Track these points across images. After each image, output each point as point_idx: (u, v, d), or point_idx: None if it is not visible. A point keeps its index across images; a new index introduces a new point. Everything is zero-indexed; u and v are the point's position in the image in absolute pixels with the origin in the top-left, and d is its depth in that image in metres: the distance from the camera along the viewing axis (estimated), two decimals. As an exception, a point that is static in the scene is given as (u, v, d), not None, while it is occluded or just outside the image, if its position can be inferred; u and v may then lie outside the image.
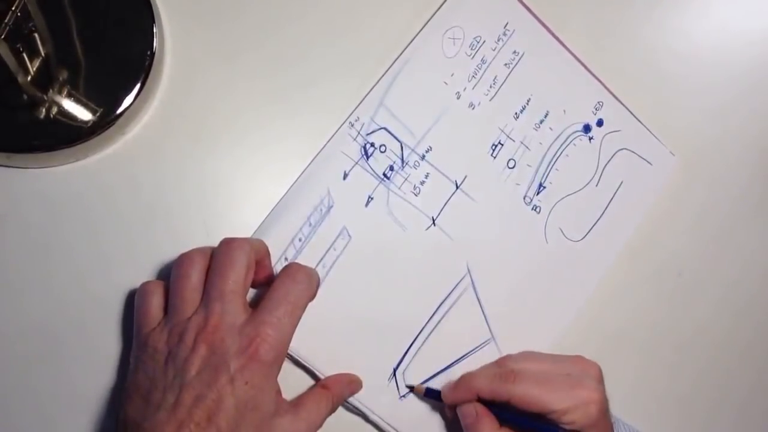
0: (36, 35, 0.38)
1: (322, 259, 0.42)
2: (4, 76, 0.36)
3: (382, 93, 0.44)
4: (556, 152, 0.47)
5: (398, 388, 0.43)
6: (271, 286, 0.38)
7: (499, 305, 0.45)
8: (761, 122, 0.51)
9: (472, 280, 0.45)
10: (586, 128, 0.48)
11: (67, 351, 0.39)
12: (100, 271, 0.40)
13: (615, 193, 0.48)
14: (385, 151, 0.44)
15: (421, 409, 0.44)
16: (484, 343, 0.45)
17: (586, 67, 0.48)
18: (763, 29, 0.51)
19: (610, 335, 0.48)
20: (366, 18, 0.45)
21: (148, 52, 0.40)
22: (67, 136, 0.39)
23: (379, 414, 0.43)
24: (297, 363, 0.42)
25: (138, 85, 0.39)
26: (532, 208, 0.47)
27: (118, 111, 0.39)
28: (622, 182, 0.49)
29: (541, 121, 0.47)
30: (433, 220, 0.44)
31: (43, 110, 0.38)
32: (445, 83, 0.45)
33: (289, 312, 0.37)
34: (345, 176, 0.43)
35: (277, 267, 0.41)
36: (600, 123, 0.48)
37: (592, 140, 0.48)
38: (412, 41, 0.44)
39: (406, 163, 0.44)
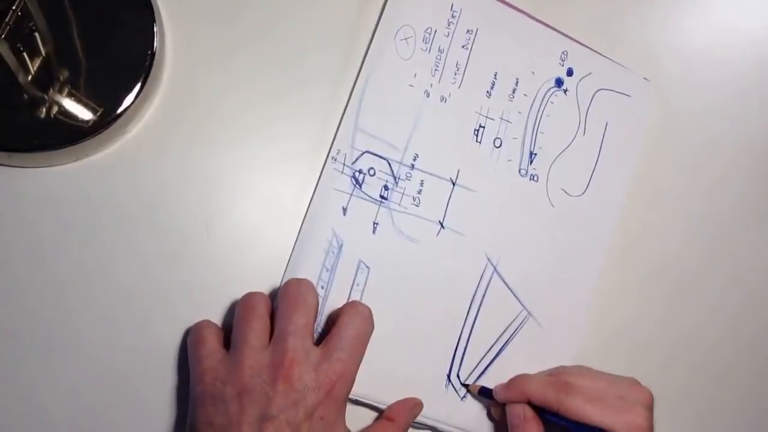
0: (36, 35, 0.38)
1: (349, 297, 0.43)
2: (4, 76, 0.37)
3: (354, 117, 0.43)
4: (537, 116, 0.47)
5: (457, 391, 0.44)
6: (338, 323, 0.39)
7: (527, 282, 0.46)
8: (760, 122, 0.51)
9: (494, 268, 0.45)
10: (558, 82, 0.47)
11: (65, 351, 0.40)
12: (100, 270, 0.40)
13: (603, 135, 0.48)
14: (374, 174, 0.43)
15: (483, 402, 0.45)
16: (523, 322, 0.46)
17: (540, 21, 0.47)
18: (764, 29, 0.51)
19: (608, 336, 0.48)
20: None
21: (149, 52, 0.40)
22: (68, 136, 0.39)
23: (446, 422, 0.44)
24: (357, 401, 0.43)
25: (138, 85, 0.40)
26: (530, 179, 0.47)
27: (119, 110, 0.39)
28: (607, 123, 0.48)
29: (514, 91, 0.46)
30: (441, 224, 0.45)
31: (44, 110, 0.39)
32: (411, 86, 0.44)
33: (358, 349, 0.39)
34: (344, 212, 0.43)
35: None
36: (570, 72, 0.48)
37: (567, 92, 0.48)
38: (365, 59, 0.44)
39: (399, 178, 0.44)
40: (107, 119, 0.39)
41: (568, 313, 0.47)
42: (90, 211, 0.40)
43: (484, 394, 0.44)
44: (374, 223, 0.43)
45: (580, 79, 0.48)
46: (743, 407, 0.48)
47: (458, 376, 0.45)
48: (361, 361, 0.39)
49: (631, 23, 0.50)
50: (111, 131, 0.40)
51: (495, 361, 0.45)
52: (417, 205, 0.44)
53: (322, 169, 0.43)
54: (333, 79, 0.44)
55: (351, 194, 0.43)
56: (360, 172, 0.43)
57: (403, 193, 0.44)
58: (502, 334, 0.46)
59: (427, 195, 0.44)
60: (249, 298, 0.40)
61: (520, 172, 0.46)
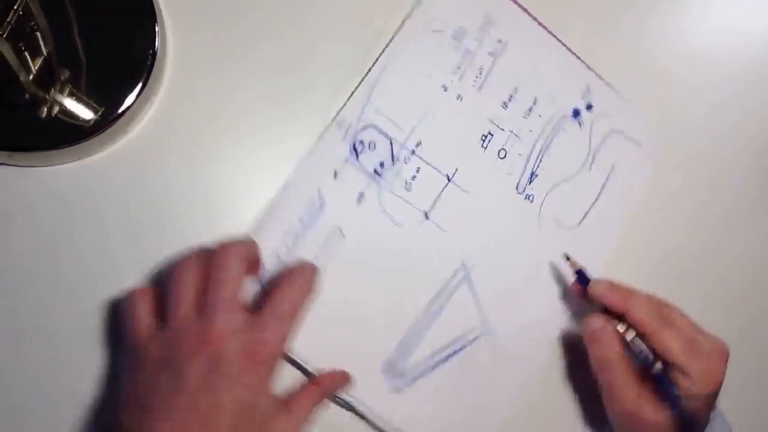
0: (38, 34, 0.38)
1: (315, 257, 0.42)
2: (5, 75, 0.36)
3: (369, 91, 0.43)
4: (547, 139, 0.47)
5: (391, 382, 0.43)
6: (277, 287, 0.38)
7: (495, 297, 0.45)
8: (760, 121, 0.51)
9: (467, 273, 0.45)
10: (576, 113, 0.48)
11: (66, 351, 0.39)
12: (102, 269, 0.40)
13: (608, 177, 0.48)
14: (374, 148, 0.43)
15: (414, 402, 0.43)
16: (477, 337, 0.45)
17: (571, 51, 0.48)
18: (763, 30, 0.52)
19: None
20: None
21: (150, 52, 0.40)
22: (69, 135, 0.39)
23: (372, 408, 0.43)
24: (291, 360, 0.42)
25: (140, 85, 0.40)
26: (525, 198, 0.46)
27: (120, 110, 0.39)
28: (614, 165, 0.48)
29: (530, 109, 0.47)
30: (426, 214, 0.44)
31: (45, 109, 0.38)
32: (431, 76, 0.45)
33: (292, 314, 0.38)
34: (335, 175, 0.43)
35: (270, 264, 0.41)
36: (589, 107, 0.48)
37: (582, 125, 0.48)
38: (394, 37, 0.44)
39: (397, 159, 0.44)
40: (108, 119, 0.39)
41: (531, 338, 0.46)
42: (91, 211, 0.40)
43: (581, 280, 0.44)
44: (361, 194, 0.43)
45: (597, 117, 0.48)
46: (742, 406, 0.48)
47: (398, 368, 0.43)
48: (292, 327, 0.38)
49: (631, 23, 0.50)
50: (112, 131, 0.40)
51: (439, 367, 0.44)
52: (408, 190, 0.44)
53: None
54: (336, 81, 0.44)
55: (346, 161, 0.43)
56: (361, 143, 0.43)
57: (397, 175, 0.44)
58: (453, 343, 0.44)
59: (420, 183, 0.44)
60: (179, 267, 0.38)
61: (517, 188, 0.46)
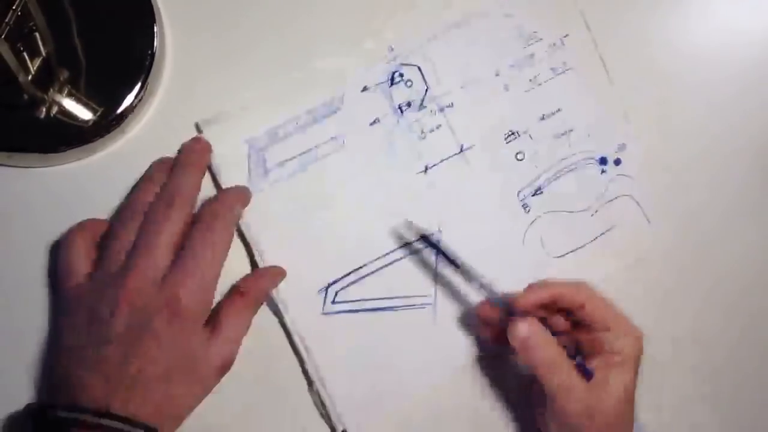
0: (36, 34, 0.38)
1: (309, 150, 0.43)
2: (4, 76, 0.36)
3: (430, 37, 0.45)
4: (566, 168, 0.47)
5: (324, 303, 0.42)
6: (191, 231, 0.38)
7: (454, 278, 0.44)
8: (760, 121, 0.51)
9: (436, 240, 0.44)
10: (602, 161, 0.48)
11: None
12: None
13: (605, 233, 0.48)
14: (410, 86, 0.45)
15: (334, 330, 0.43)
16: (424, 304, 0.44)
17: (624, 109, 0.49)
18: (764, 29, 0.52)
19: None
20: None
21: (149, 52, 0.40)
22: (68, 136, 0.39)
23: (292, 317, 0.42)
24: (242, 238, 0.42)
25: (139, 85, 0.39)
26: (522, 206, 0.46)
27: (119, 110, 0.39)
28: (614, 225, 0.48)
29: (563, 134, 0.47)
30: (426, 168, 0.45)
31: (44, 110, 0.38)
32: (490, 57, 0.46)
33: (209, 257, 0.37)
34: (364, 89, 0.44)
35: (262, 141, 0.42)
36: (617, 162, 0.48)
37: (603, 173, 0.48)
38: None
39: (424, 107, 0.45)
40: (107, 119, 0.39)
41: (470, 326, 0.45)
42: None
43: (497, 303, 0.41)
44: (377, 119, 0.44)
45: (621, 174, 0.48)
46: (742, 406, 0.49)
47: (336, 293, 0.43)
48: (218, 263, 0.38)
49: (632, 23, 0.50)
50: (111, 131, 0.40)
51: (372, 311, 0.43)
52: (420, 139, 0.45)
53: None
54: (336, 81, 0.44)
55: (379, 84, 0.44)
56: (400, 75, 0.44)
57: (417, 121, 0.45)
58: (399, 297, 0.44)
59: (435, 139, 0.45)
60: (126, 207, 0.39)
61: (519, 193, 0.46)
